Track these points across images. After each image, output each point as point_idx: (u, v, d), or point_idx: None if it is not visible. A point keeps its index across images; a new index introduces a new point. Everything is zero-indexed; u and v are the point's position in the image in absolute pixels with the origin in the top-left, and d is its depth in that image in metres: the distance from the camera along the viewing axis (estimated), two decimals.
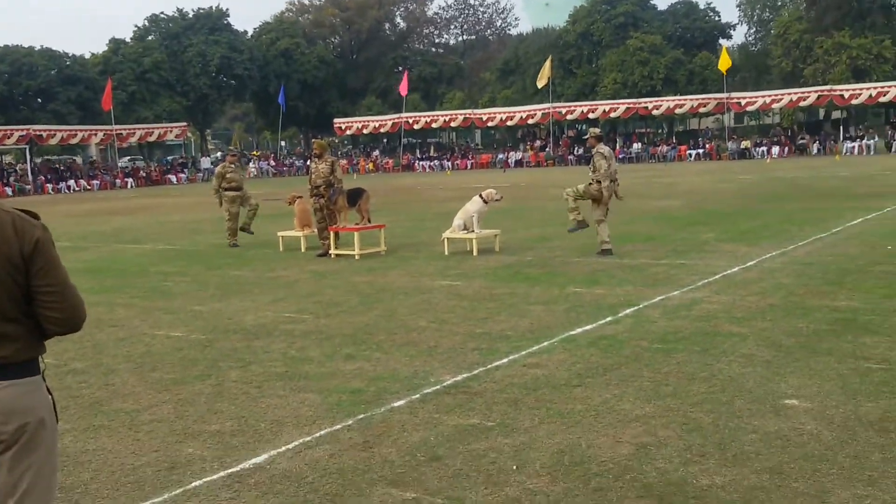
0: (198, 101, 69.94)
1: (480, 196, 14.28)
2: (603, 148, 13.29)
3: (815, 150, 50.49)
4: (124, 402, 6.56)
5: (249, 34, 75.90)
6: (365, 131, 66.48)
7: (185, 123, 65.27)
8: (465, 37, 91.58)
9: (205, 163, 62.31)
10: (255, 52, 71.82)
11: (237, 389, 6.71)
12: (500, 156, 58.77)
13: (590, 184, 13.20)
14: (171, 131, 62.95)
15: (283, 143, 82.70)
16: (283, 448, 5.37)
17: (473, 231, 14.09)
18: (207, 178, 52.54)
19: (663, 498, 4.35)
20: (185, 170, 60.99)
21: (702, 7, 69.35)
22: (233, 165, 17.71)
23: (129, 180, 55.69)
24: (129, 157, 70.44)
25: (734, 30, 72.91)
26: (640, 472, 4.70)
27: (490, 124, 63.47)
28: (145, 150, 70.36)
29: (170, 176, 58.59)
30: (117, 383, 7.10)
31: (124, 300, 11.20)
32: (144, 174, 58.26)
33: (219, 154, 71.89)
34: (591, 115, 56.12)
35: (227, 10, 71.96)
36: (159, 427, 5.92)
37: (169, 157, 69.75)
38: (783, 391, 5.96)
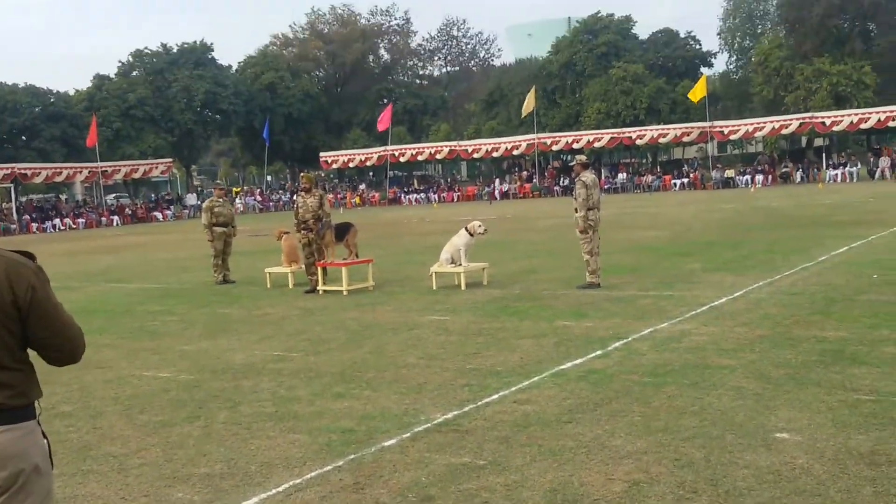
0: (183, 136, 69.98)
1: (466, 229, 14.30)
2: (586, 176, 13.13)
3: (798, 178, 50.86)
4: (112, 445, 6.51)
5: (234, 68, 76.15)
6: (351, 165, 66.66)
7: (170, 159, 65.20)
8: (448, 68, 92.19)
9: (191, 199, 62.18)
10: (239, 86, 72.00)
11: (226, 431, 6.67)
12: (487, 188, 58.92)
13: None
14: (156, 168, 62.86)
15: (269, 178, 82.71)
16: (274, 491, 5.33)
17: (461, 265, 14.10)
18: (194, 215, 52.46)
19: None
20: (172, 206, 60.84)
21: (682, 36, 69.95)
22: (220, 200, 17.65)
23: (115, 218, 55.55)
24: (114, 195, 70.30)
25: (715, 58, 73.64)
26: None
27: (475, 156, 63.70)
28: (131, 187, 70.27)
29: (156, 213, 58.48)
30: (105, 426, 7.05)
31: (111, 340, 11.14)
32: (130, 211, 58.10)
33: (211, 190, 71.85)
34: (575, 146, 56.36)
35: (212, 44, 72.49)
36: (148, 471, 5.87)
37: (157, 195, 69.59)
38: (774, 424, 5.96)
